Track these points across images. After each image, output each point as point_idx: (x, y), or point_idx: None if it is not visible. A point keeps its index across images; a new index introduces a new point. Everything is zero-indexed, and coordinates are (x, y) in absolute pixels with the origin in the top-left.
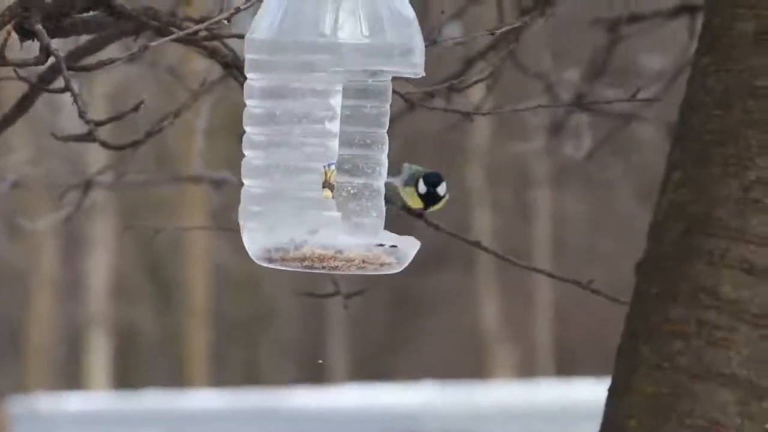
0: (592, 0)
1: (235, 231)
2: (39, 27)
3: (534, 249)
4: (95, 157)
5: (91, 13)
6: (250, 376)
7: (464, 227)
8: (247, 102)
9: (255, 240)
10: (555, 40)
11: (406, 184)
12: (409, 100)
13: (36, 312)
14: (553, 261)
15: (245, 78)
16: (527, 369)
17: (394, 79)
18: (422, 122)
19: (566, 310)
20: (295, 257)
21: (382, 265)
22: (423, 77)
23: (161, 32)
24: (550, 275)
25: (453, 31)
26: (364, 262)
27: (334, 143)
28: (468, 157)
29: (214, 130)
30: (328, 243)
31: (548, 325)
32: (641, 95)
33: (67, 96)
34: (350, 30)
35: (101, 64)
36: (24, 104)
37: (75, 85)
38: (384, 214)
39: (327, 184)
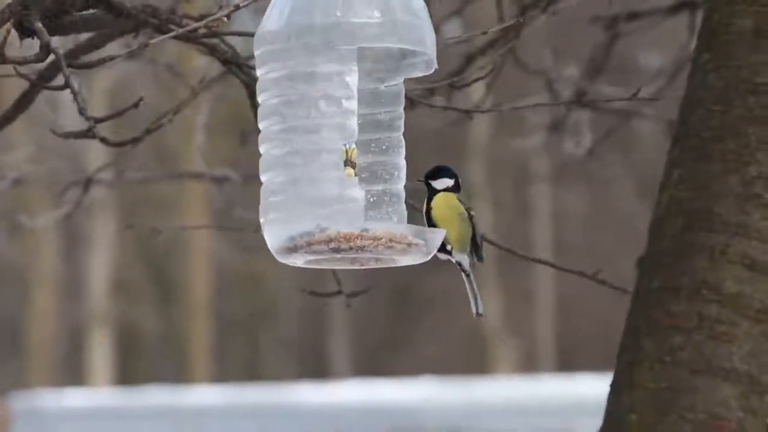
0: None
1: (235, 229)
2: (39, 25)
3: (534, 246)
4: (95, 154)
5: (91, 10)
6: (252, 372)
7: None
8: (260, 97)
9: (276, 231)
10: (555, 38)
11: None
12: (410, 97)
13: (37, 309)
14: (554, 257)
15: (245, 75)
16: (529, 365)
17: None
18: (422, 119)
19: (567, 305)
20: (320, 240)
21: (409, 245)
22: (423, 75)
23: (161, 30)
24: (554, 266)
25: (453, 28)
26: (391, 240)
27: (353, 121)
28: (468, 154)
29: (214, 127)
30: (353, 222)
31: (550, 321)
32: (641, 92)
33: (67, 93)
34: (361, 11)
35: (101, 62)
36: (24, 101)
37: (75, 83)
38: (405, 218)
39: (349, 163)
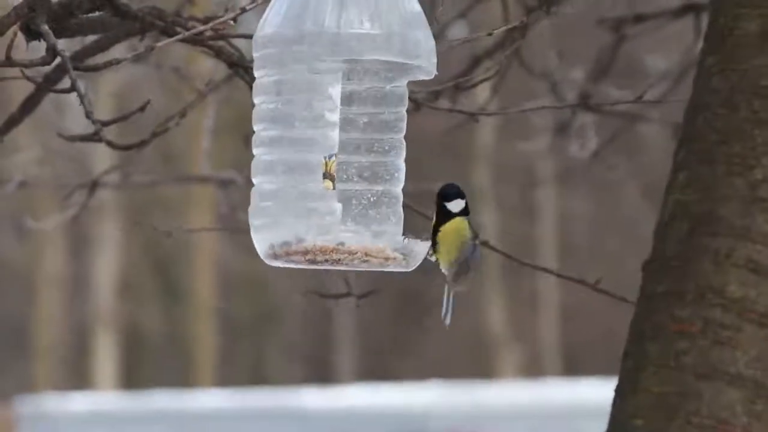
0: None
1: (241, 231)
2: (45, 27)
3: (539, 249)
4: (101, 157)
5: (97, 13)
6: (257, 376)
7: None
8: (256, 100)
9: (261, 237)
10: (560, 40)
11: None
12: (415, 100)
13: (43, 312)
14: (559, 261)
15: (251, 77)
16: (534, 370)
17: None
18: (427, 122)
19: (572, 310)
20: (297, 251)
21: (386, 259)
22: (425, 79)
23: (167, 32)
24: (558, 275)
25: (459, 30)
26: (367, 255)
27: (335, 133)
28: (473, 157)
29: (221, 130)
30: (330, 235)
31: (554, 325)
32: (646, 95)
33: (73, 96)
34: (351, 21)
35: (107, 64)
36: (30, 104)
37: (81, 86)
38: (402, 219)
39: (328, 175)
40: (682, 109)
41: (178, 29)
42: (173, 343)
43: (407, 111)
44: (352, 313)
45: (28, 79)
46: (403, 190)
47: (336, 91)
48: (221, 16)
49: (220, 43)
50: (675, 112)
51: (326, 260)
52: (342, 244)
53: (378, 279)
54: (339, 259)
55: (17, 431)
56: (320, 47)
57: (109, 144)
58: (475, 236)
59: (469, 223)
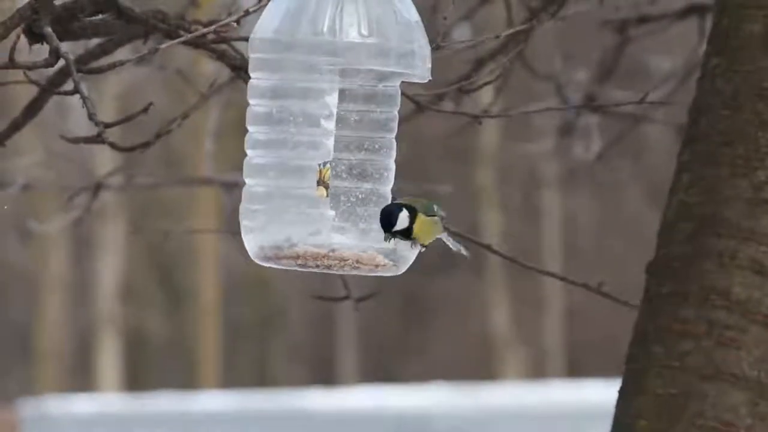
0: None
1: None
2: (48, 30)
3: (543, 250)
4: (104, 159)
5: (100, 16)
6: (260, 378)
7: (473, 229)
8: (250, 101)
9: (252, 238)
10: (564, 42)
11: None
12: (418, 102)
13: (46, 314)
14: (563, 262)
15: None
16: (537, 371)
17: (403, 82)
18: (431, 124)
19: (576, 311)
20: (288, 255)
21: (377, 266)
22: (432, 80)
23: (170, 35)
24: (562, 279)
25: (463, 32)
26: (357, 262)
27: (330, 141)
28: (477, 159)
29: (223, 132)
30: (321, 242)
31: (558, 327)
32: (650, 97)
33: (75, 99)
34: (348, 30)
35: (110, 67)
36: (34, 107)
37: (84, 88)
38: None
39: (321, 182)
40: (686, 111)
41: (181, 32)
42: (177, 345)
43: (411, 113)
44: (356, 315)
45: (32, 81)
46: (405, 190)
47: (333, 99)
48: (224, 19)
49: (223, 45)
50: (679, 113)
51: (317, 266)
52: (333, 250)
53: (378, 281)
54: (330, 265)
55: None
56: (315, 55)
57: (113, 145)
58: (441, 217)
59: (429, 213)
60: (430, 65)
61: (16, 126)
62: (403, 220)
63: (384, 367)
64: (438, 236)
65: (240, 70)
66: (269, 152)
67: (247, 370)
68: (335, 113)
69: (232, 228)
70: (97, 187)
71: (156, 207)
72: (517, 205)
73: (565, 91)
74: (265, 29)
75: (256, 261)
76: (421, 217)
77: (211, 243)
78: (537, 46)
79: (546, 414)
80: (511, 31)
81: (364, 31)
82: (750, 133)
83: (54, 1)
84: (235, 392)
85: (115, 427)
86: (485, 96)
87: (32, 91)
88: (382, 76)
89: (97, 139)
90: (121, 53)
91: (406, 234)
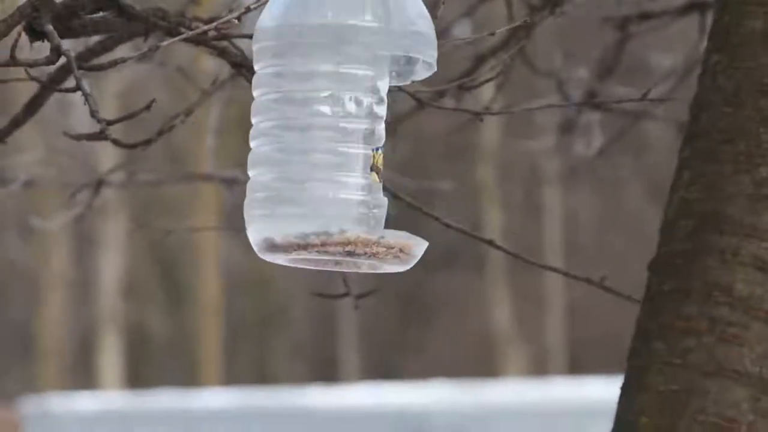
0: None
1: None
2: (49, 27)
3: (544, 247)
4: (106, 156)
5: (101, 13)
6: (262, 375)
7: (475, 226)
8: (255, 93)
9: (261, 227)
10: (565, 39)
11: None
12: (419, 99)
13: (47, 312)
14: (564, 259)
15: (253, 74)
16: (539, 368)
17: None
18: (432, 121)
19: (578, 308)
20: (338, 241)
21: (407, 255)
22: (431, 77)
23: (171, 32)
24: (564, 273)
25: (463, 29)
26: (401, 251)
27: (381, 127)
28: (478, 156)
29: (225, 129)
30: (374, 228)
31: (560, 324)
32: (651, 94)
33: (77, 96)
34: (354, 13)
35: (112, 64)
36: (35, 104)
37: (85, 85)
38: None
39: (375, 168)
40: (688, 108)
41: (182, 29)
42: (178, 342)
43: (412, 110)
44: (357, 312)
45: (33, 78)
46: (406, 188)
47: (384, 84)
48: (225, 16)
49: (224, 43)
50: (680, 110)
51: (365, 253)
52: (383, 237)
53: (378, 278)
54: (377, 253)
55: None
56: (324, 38)
57: (115, 142)
58: None
59: None
60: (434, 53)
61: (17, 123)
62: None
63: (385, 364)
64: None
65: (241, 67)
66: (283, 137)
67: (249, 367)
68: (385, 99)
69: (233, 225)
70: (99, 184)
71: (158, 204)
72: (519, 202)
73: (566, 88)
74: (270, 18)
75: (262, 252)
76: None
77: (212, 240)
78: (538, 42)
79: (548, 411)
80: (512, 25)
81: (369, 16)
82: (752, 130)
83: None
84: (237, 389)
85: (117, 424)
86: (486, 93)
87: (33, 88)
88: (395, 65)
89: (100, 136)
90: (122, 51)
91: None
